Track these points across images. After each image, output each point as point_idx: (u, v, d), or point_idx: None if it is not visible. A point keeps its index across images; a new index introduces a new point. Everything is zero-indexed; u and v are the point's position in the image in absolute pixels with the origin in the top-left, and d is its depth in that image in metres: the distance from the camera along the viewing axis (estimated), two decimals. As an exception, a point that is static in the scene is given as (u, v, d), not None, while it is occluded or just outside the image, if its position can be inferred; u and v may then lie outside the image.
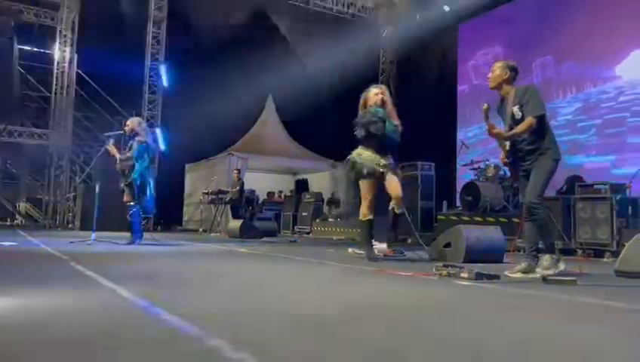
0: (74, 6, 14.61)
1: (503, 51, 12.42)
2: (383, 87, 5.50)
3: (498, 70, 4.07)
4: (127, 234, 6.60)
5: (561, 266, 3.90)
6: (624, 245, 6.06)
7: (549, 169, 3.91)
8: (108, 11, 13.47)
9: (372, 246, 5.20)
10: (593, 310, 2.52)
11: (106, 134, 7.33)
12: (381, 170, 5.01)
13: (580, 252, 7.16)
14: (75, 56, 14.73)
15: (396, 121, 5.16)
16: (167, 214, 14.45)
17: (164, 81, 14.24)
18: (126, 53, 13.56)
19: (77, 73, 14.64)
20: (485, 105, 3.84)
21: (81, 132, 14.92)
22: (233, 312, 2.16)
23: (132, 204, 6.53)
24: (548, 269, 3.78)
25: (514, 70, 4.08)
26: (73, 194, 14.00)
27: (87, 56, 14.31)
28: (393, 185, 5.05)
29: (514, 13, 12.50)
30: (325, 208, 14.14)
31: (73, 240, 6.55)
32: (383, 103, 5.16)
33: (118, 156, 6.58)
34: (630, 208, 6.93)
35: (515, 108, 3.92)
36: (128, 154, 6.53)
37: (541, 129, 3.91)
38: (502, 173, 8.74)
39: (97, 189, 6.83)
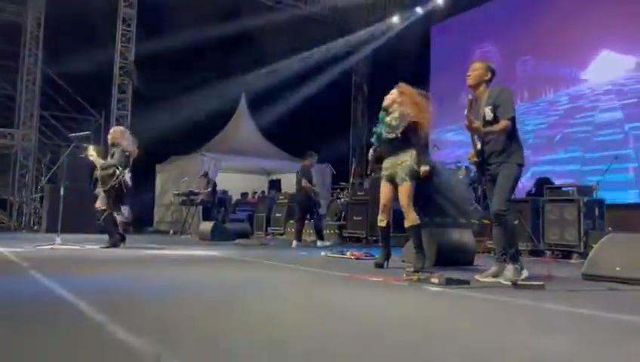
0: (41, 2, 14.20)
1: (475, 53, 12.56)
2: (401, 85, 4.83)
3: (480, 70, 4.08)
4: (95, 237, 6.47)
5: (524, 274, 3.90)
6: (591, 246, 6.19)
7: (513, 175, 3.94)
8: (76, 8, 13.13)
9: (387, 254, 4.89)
10: (560, 317, 2.53)
11: (72, 135, 7.16)
12: (386, 173, 4.73)
13: (548, 253, 7.29)
14: (42, 53, 14.32)
15: (395, 114, 4.65)
16: (138, 215, 14.21)
17: (134, 79, 13.96)
18: (95, 51, 13.25)
19: (44, 71, 14.24)
20: (471, 97, 3.88)
21: (48, 131, 14.52)
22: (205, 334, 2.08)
23: (104, 208, 6.48)
24: (509, 279, 3.80)
25: (493, 72, 4.11)
26: (40, 194, 13.62)
27: (55, 54, 13.91)
28: (398, 193, 4.65)
29: (484, 16, 12.66)
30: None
31: (38, 244, 6.33)
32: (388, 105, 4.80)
33: (99, 163, 6.55)
34: (597, 210, 7.07)
35: (488, 109, 3.94)
36: (110, 162, 6.47)
37: (512, 132, 3.94)
38: (472, 175, 8.82)
39: (62, 191, 6.62)
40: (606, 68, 10.16)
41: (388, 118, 4.70)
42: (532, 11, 11.39)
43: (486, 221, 6.85)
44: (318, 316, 2.39)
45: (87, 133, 6.85)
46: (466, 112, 3.86)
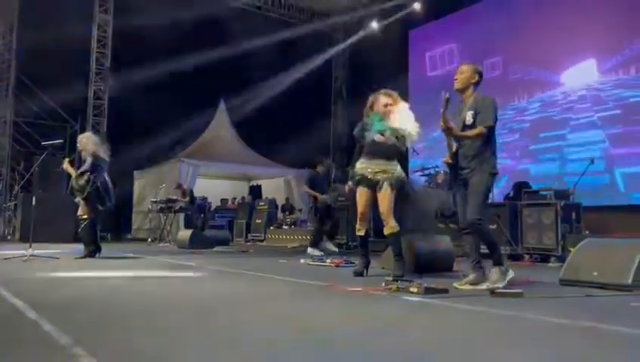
0: (15, 4, 13.90)
1: (453, 58, 12.66)
2: (394, 94, 4.73)
3: (468, 72, 4.04)
4: (71, 246, 6.35)
5: (510, 275, 3.93)
6: (569, 250, 6.25)
7: (486, 184, 3.93)
8: (50, 11, 12.89)
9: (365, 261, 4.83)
10: (537, 328, 2.51)
11: (45, 143, 7.01)
12: (368, 176, 4.59)
13: (527, 257, 7.33)
14: (15, 59, 14.00)
15: (401, 125, 4.56)
16: (116, 222, 13.98)
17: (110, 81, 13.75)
18: (70, 56, 13.02)
19: (17, 77, 13.92)
20: (447, 95, 3.77)
21: (22, 138, 14.19)
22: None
23: (86, 217, 6.38)
24: (497, 282, 3.80)
25: (480, 75, 4.08)
26: (14, 203, 13.30)
27: (29, 59, 13.62)
28: (379, 198, 4.56)
29: (462, 21, 12.76)
30: (280, 214, 14.00)
31: (7, 256, 6.14)
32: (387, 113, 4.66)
33: (74, 174, 6.48)
34: (574, 214, 7.14)
35: (470, 113, 3.93)
36: (83, 169, 6.39)
37: (487, 140, 3.94)
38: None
39: (34, 201, 6.46)
40: (581, 73, 10.31)
41: (398, 128, 4.57)
42: (510, 16, 11.51)
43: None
44: (285, 332, 2.33)
45: (59, 141, 6.71)
46: (442, 111, 3.81)
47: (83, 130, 13.26)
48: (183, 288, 4.06)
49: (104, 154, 6.56)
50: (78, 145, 6.71)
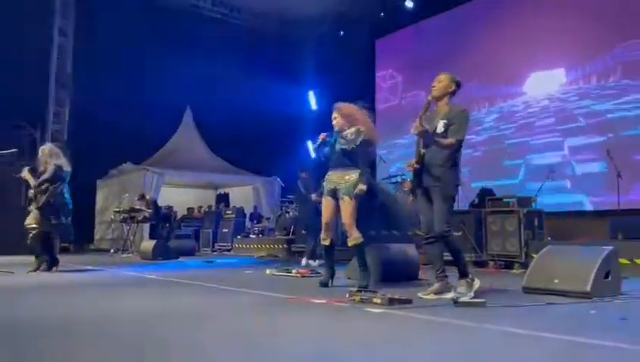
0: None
1: (416, 67, 12.80)
2: (336, 106, 4.71)
3: (445, 81, 4.05)
4: (20, 259, 6.10)
5: (476, 285, 3.94)
6: (532, 256, 6.34)
7: (450, 195, 3.97)
8: (8, 15, 12.49)
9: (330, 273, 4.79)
10: (497, 341, 2.49)
11: None
12: (328, 186, 4.60)
13: (491, 263, 7.40)
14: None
15: (352, 129, 4.54)
16: (79, 233, 13.58)
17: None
18: (30, 61, 12.62)
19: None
20: (429, 99, 3.91)
21: (-22, 146, 13.67)
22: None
23: (35, 226, 6.14)
24: (464, 294, 3.79)
25: (458, 85, 4.09)
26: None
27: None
28: (341, 209, 4.53)
29: (427, 31, 12.93)
30: (248, 223, 13.85)
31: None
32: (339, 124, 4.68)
33: (32, 183, 6.25)
34: (536, 220, 7.25)
35: (442, 123, 3.94)
36: (42, 178, 6.18)
37: (454, 151, 3.95)
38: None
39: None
40: (542, 83, 10.56)
41: (344, 133, 4.59)
42: (472, 27, 11.71)
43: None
44: (237, 353, 2.25)
45: (13, 150, 6.45)
46: (420, 113, 3.85)
47: (43, 138, 12.87)
48: (137, 302, 3.91)
49: (67, 166, 6.37)
50: (39, 155, 6.48)
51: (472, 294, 3.81)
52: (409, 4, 13.07)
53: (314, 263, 7.52)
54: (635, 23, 9.15)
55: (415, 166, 4.02)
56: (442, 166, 3.92)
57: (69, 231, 6.53)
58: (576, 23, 9.94)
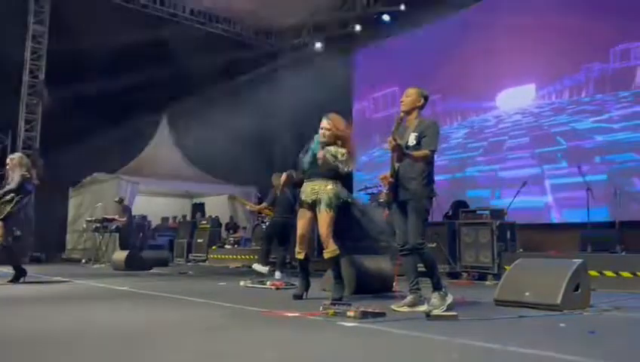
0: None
1: (391, 80, 12.94)
2: (330, 116, 4.63)
3: (413, 95, 4.10)
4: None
5: (449, 299, 3.95)
6: (505, 268, 6.42)
7: (424, 208, 4.00)
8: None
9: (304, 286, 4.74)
10: (470, 354, 2.50)
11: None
12: (305, 197, 4.54)
13: (465, 275, 7.48)
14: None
15: (342, 150, 4.47)
16: (50, 242, 13.29)
17: (45, 99, 13.13)
18: (1, 66, 12.36)
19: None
20: (401, 115, 3.99)
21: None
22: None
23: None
24: (437, 307, 3.80)
25: (426, 99, 4.16)
26: None
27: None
28: (318, 221, 4.48)
29: (404, 43, 13.08)
30: (224, 233, 13.72)
31: None
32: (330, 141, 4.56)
33: None
34: (508, 233, 7.36)
35: (413, 135, 3.98)
36: (8, 188, 6.03)
37: (428, 163, 4.00)
38: (394, 198, 8.95)
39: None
40: (515, 97, 10.75)
41: (332, 148, 4.48)
42: (448, 40, 11.88)
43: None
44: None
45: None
46: (392, 129, 3.89)
47: (14, 146, 12.59)
48: (104, 317, 3.81)
49: (35, 178, 6.24)
50: (7, 164, 6.33)
51: (444, 307, 3.83)
52: (386, 18, 13.19)
53: (278, 275, 6.96)
54: (602, 39, 9.40)
55: (390, 180, 4.05)
56: (416, 179, 3.96)
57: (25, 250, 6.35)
58: (548, 37, 10.17)
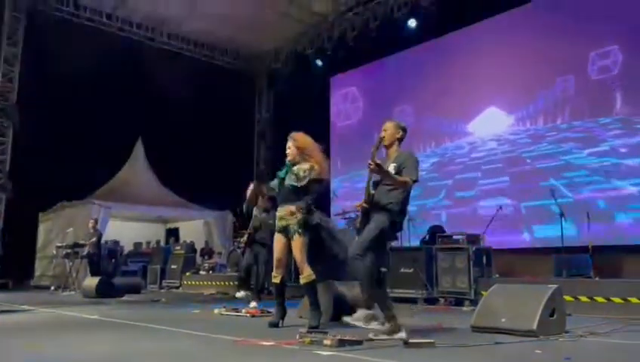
0: None
1: (369, 104, 13.08)
2: (293, 135, 4.65)
3: (391, 129, 4.17)
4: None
5: (373, 325, 3.91)
6: (481, 294, 6.43)
7: (382, 226, 3.91)
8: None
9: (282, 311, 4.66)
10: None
11: None
12: (278, 223, 4.54)
13: (442, 301, 7.45)
14: None
15: (305, 165, 4.50)
16: (18, 268, 12.87)
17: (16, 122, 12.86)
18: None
19: None
20: (382, 135, 4.09)
21: None
22: None
23: None
24: (358, 320, 3.84)
25: (404, 130, 4.22)
26: None
27: None
28: (292, 246, 4.48)
29: (380, 69, 13.28)
30: (199, 259, 13.47)
31: None
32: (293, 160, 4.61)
33: None
34: (485, 258, 7.38)
35: (393, 166, 4.00)
36: None
37: (404, 193, 4.00)
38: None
39: None
40: (490, 122, 10.96)
41: (295, 168, 4.52)
42: (426, 67, 12.11)
43: (384, 268, 6.90)
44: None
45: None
46: (372, 150, 3.89)
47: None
48: (71, 349, 3.66)
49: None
50: None
51: (366, 326, 3.85)
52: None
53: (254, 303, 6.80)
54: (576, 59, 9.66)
55: (364, 206, 4.03)
56: (388, 205, 3.95)
57: None
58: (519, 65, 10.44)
